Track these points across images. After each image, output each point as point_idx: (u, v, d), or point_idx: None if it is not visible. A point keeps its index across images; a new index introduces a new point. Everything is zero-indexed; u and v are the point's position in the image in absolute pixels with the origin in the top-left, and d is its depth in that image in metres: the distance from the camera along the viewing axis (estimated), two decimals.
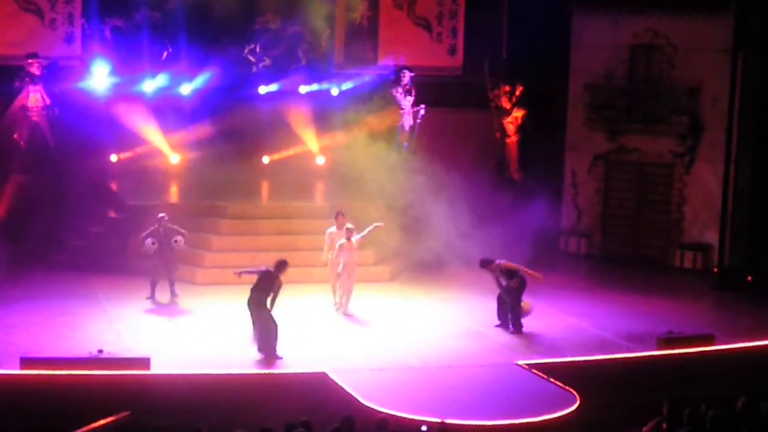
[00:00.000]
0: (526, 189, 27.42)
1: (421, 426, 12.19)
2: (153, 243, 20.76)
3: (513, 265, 19.81)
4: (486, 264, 19.93)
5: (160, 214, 21.13)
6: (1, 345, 17.72)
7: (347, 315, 20.44)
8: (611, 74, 27.68)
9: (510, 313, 19.70)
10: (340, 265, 20.47)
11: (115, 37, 26.65)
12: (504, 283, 19.72)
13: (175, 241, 20.89)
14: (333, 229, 20.97)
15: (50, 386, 15.74)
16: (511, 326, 19.65)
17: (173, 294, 21.03)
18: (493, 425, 14.92)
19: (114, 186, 25.48)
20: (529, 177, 27.80)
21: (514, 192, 27.57)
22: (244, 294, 20.18)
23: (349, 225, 20.65)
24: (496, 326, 19.85)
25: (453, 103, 28.41)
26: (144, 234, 20.95)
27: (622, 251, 27.69)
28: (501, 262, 19.84)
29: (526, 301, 19.92)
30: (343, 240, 20.51)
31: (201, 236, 23.53)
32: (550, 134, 28.37)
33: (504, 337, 19.44)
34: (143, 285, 21.04)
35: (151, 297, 20.92)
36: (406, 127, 27.61)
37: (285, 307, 18.88)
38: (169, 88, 26.69)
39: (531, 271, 19.96)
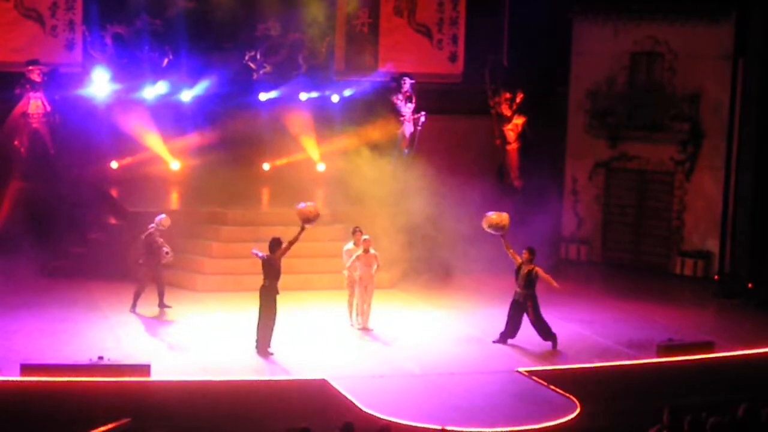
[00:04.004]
0: (527, 196, 27.43)
1: None
2: (167, 252, 20.61)
3: (543, 273, 19.18)
4: (532, 254, 19.23)
5: (162, 216, 20.95)
6: (2, 351, 17.69)
7: (367, 329, 20.15)
8: (612, 81, 27.72)
9: (537, 331, 19.22)
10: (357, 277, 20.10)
11: (116, 44, 26.68)
12: (521, 290, 19.18)
13: (167, 253, 20.77)
14: (350, 245, 20.47)
15: (50, 393, 15.74)
16: (547, 342, 19.20)
17: (163, 305, 20.82)
18: None
19: (114, 192, 25.48)
20: (530, 184, 27.80)
21: (515, 199, 27.56)
22: (244, 300, 20.28)
23: (366, 236, 20.23)
24: (495, 342, 19.49)
25: (453, 111, 28.43)
26: (146, 238, 20.72)
27: (622, 258, 27.71)
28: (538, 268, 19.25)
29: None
30: (360, 251, 20.16)
31: (201, 243, 23.55)
32: (551, 141, 28.38)
33: (504, 345, 19.41)
34: (143, 292, 20.98)
35: (133, 308, 20.67)
36: (407, 134, 27.61)
37: (285, 313, 18.89)
38: (169, 95, 26.70)
39: (551, 281, 19.34)
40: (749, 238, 25.74)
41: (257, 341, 18.37)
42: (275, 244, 18.65)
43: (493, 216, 19.53)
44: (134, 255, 21.17)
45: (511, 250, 19.46)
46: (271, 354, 18.19)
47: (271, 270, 18.45)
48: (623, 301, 23.61)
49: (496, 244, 20.55)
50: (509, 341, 19.40)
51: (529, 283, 19.17)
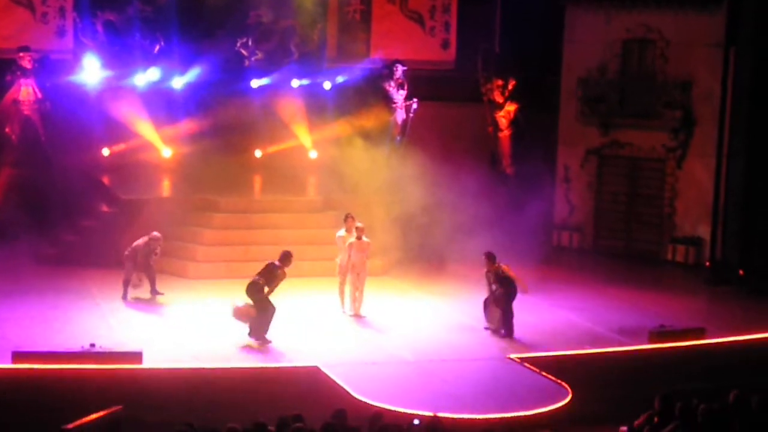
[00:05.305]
0: (519, 183, 27.44)
1: (413, 420, 12.18)
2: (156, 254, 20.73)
3: (511, 272, 19.20)
4: (491, 259, 19.39)
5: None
6: None
7: (359, 317, 20.14)
8: (604, 68, 27.70)
9: (502, 318, 19.33)
10: (349, 267, 20.07)
11: (107, 31, 26.63)
12: (494, 287, 19.35)
13: (156, 254, 20.80)
14: (342, 232, 20.42)
15: (42, 380, 15.72)
16: (502, 331, 19.25)
17: (155, 292, 20.81)
18: (486, 419, 14.94)
19: (106, 180, 25.42)
20: (522, 171, 27.81)
21: (507, 186, 27.59)
22: (236, 288, 20.21)
23: (359, 224, 20.17)
24: (486, 328, 19.51)
25: (445, 98, 28.41)
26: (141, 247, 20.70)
27: (614, 245, 27.74)
28: (502, 265, 19.28)
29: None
30: (353, 239, 20.13)
31: (193, 230, 23.52)
32: (543, 128, 28.38)
33: (496, 332, 19.44)
34: (134, 279, 20.94)
35: (125, 297, 20.62)
36: (399, 121, 27.59)
37: (278, 301, 18.87)
38: (161, 82, 26.65)
39: (523, 282, 19.34)
40: (740, 225, 25.79)
41: (251, 329, 18.36)
42: (286, 257, 18.51)
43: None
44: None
45: (491, 277, 19.43)
46: (269, 342, 18.20)
47: (269, 276, 18.35)
48: (615, 288, 23.64)
49: (489, 232, 20.58)
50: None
51: (503, 281, 19.15)
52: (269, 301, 18.33)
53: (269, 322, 18.32)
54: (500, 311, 19.25)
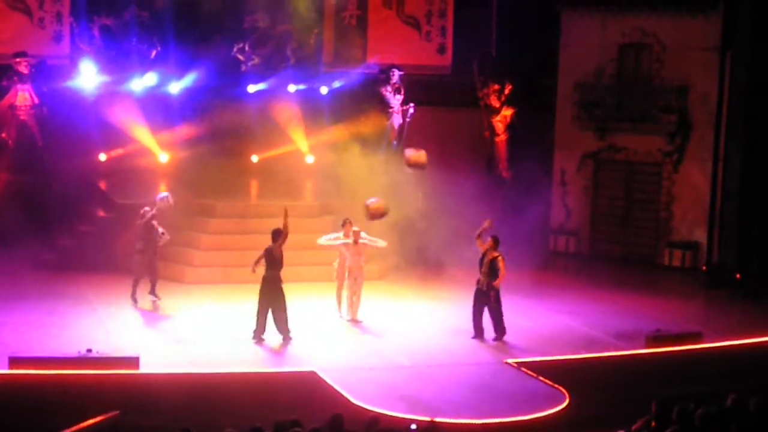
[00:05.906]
0: (516, 187, 27.45)
1: (410, 425, 12.18)
2: (163, 233, 20.62)
3: (503, 268, 19.02)
4: (497, 243, 19.13)
5: (166, 194, 20.89)
6: None
7: (356, 321, 20.13)
8: (600, 73, 27.76)
9: (492, 320, 19.29)
10: (346, 272, 20.14)
11: (104, 36, 26.63)
12: (484, 278, 19.22)
13: (163, 234, 20.71)
14: (340, 236, 20.52)
15: (39, 386, 15.70)
16: (494, 333, 19.24)
17: (154, 295, 20.78)
18: (483, 423, 14.94)
19: (103, 185, 25.43)
20: (519, 175, 27.83)
21: (504, 190, 27.59)
22: (233, 292, 20.26)
23: (355, 228, 20.23)
24: (473, 338, 19.36)
25: (442, 102, 28.43)
26: (146, 222, 20.57)
27: (610, 250, 27.77)
28: (501, 256, 19.14)
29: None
30: (350, 242, 20.15)
31: (190, 235, 23.51)
32: (540, 133, 28.41)
33: (492, 336, 19.44)
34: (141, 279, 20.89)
35: (133, 296, 20.62)
36: (395, 126, 27.61)
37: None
38: (157, 87, 26.66)
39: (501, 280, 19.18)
40: (737, 229, 25.82)
41: (255, 331, 18.39)
42: (276, 234, 18.59)
43: (412, 156, 21.59)
44: (132, 240, 21.03)
45: (480, 239, 19.41)
46: (290, 339, 18.44)
47: (272, 260, 18.46)
48: (612, 292, 23.67)
49: (485, 236, 20.56)
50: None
51: (491, 270, 19.08)
52: (283, 300, 18.45)
53: (286, 321, 18.48)
54: (491, 315, 19.22)
